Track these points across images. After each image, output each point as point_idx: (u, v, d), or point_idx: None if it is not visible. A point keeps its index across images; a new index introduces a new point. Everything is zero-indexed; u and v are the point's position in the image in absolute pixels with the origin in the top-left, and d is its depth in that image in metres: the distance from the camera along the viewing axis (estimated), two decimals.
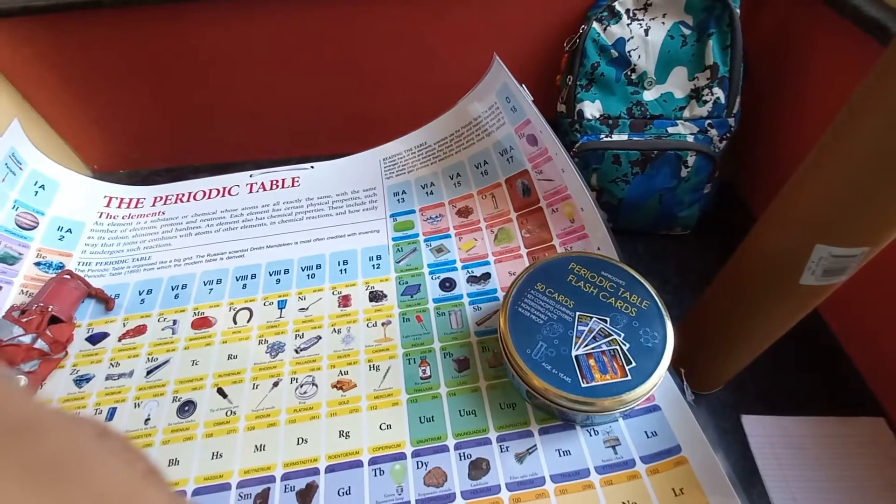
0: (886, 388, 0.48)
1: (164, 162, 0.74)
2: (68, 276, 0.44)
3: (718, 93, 0.62)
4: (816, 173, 0.34)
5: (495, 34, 0.67)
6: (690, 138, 0.62)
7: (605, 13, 0.60)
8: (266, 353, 0.41)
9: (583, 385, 0.32)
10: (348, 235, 0.49)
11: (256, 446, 0.36)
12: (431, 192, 0.50)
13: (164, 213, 0.52)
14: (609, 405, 0.31)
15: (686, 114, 0.63)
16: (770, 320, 0.43)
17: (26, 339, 0.38)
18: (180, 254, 0.48)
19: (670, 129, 0.62)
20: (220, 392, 0.39)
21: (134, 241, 0.49)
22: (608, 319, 0.34)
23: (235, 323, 0.43)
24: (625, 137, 0.64)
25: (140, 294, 0.45)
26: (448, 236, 0.47)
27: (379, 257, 0.47)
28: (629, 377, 0.32)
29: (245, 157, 0.77)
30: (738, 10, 0.57)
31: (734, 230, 0.68)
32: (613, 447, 0.34)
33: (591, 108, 0.64)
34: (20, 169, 0.46)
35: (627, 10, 0.59)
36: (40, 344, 0.38)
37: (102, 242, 0.49)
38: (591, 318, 0.34)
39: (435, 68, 0.69)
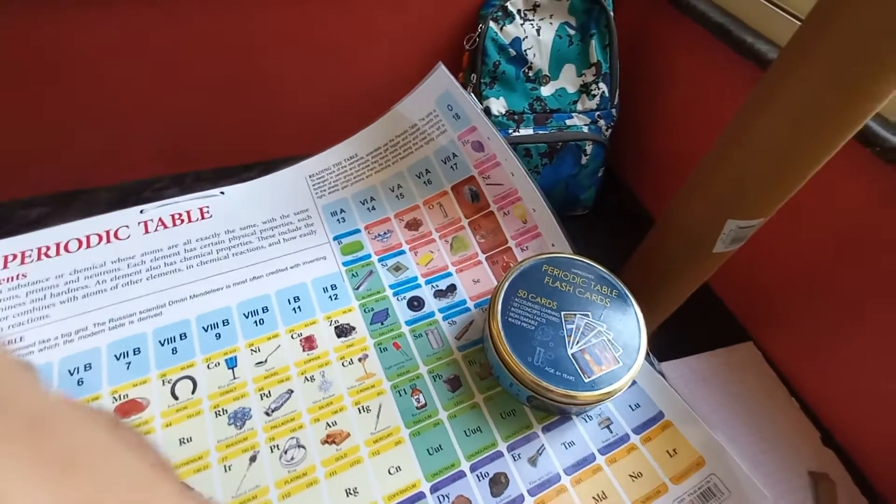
0: (753, 324, 0.61)
1: None
2: None
3: (603, 87, 0.69)
4: (725, 162, 0.41)
5: (397, 31, 0.65)
6: (585, 129, 0.69)
7: (500, 13, 0.62)
8: (229, 424, 0.34)
9: (585, 380, 0.34)
10: (291, 268, 0.43)
11: None
12: (373, 208, 0.47)
13: (24, 275, 0.40)
14: (610, 393, 0.34)
15: (579, 107, 0.70)
16: (685, 284, 0.51)
17: None
18: (68, 326, 0.37)
19: (568, 122, 0.68)
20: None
21: None
22: (590, 313, 0.37)
23: (176, 399, 0.35)
24: (531, 132, 0.68)
25: None
26: (402, 252, 0.45)
27: (334, 286, 0.43)
28: (620, 363, 0.35)
29: (91, 182, 0.63)
30: (612, 13, 0.64)
31: (620, 206, 0.79)
32: (608, 427, 0.37)
33: (497, 105, 0.67)
34: None
35: (519, 11, 0.63)
36: None
37: None
38: (576, 314, 0.37)
39: (335, 68, 0.64)
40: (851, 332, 0.47)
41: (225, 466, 0.33)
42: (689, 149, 0.66)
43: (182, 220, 0.45)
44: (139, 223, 0.44)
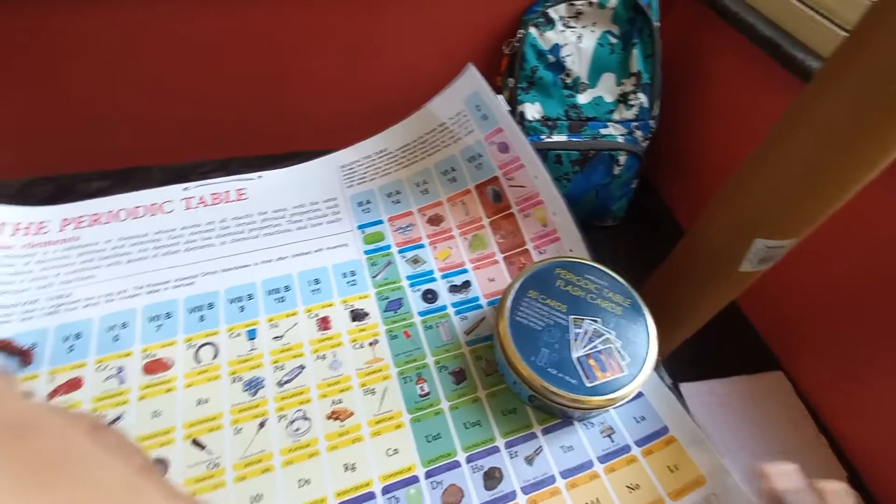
0: (782, 349, 0.58)
1: (44, 169, 0.62)
2: None
3: (642, 98, 0.68)
4: (755, 179, 0.40)
5: (431, 34, 0.67)
6: (621, 139, 0.68)
7: (541, 19, 0.62)
8: (244, 391, 0.37)
9: (587, 385, 0.34)
10: (315, 251, 0.45)
11: (252, 497, 0.32)
12: (398, 201, 0.49)
13: (78, 238, 0.44)
14: (612, 400, 0.33)
15: (616, 116, 0.69)
16: (711, 301, 0.49)
17: None
18: (111, 287, 0.41)
19: (603, 131, 0.68)
20: (196, 443, 0.34)
21: (43, 275, 0.41)
22: (599, 320, 0.37)
23: (198, 362, 0.38)
24: (564, 138, 0.68)
25: (66, 340, 0.38)
26: (422, 246, 0.47)
27: (353, 273, 0.44)
28: (625, 372, 0.34)
29: (146, 162, 0.68)
30: (657, 23, 0.63)
31: (653, 219, 0.77)
32: (609, 436, 0.37)
33: (532, 110, 0.67)
34: None
35: (561, 18, 0.63)
36: None
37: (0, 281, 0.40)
38: (584, 319, 0.36)
39: (372, 68, 0.67)
40: (890, 367, 0.44)
41: (236, 429, 0.35)
42: (728, 165, 0.64)
43: (220, 200, 0.48)
44: (182, 199, 0.48)
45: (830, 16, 0.48)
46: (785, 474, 0.26)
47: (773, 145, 0.37)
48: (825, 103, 0.33)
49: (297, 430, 0.35)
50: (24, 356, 0.36)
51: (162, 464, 0.33)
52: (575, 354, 0.35)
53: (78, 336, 0.38)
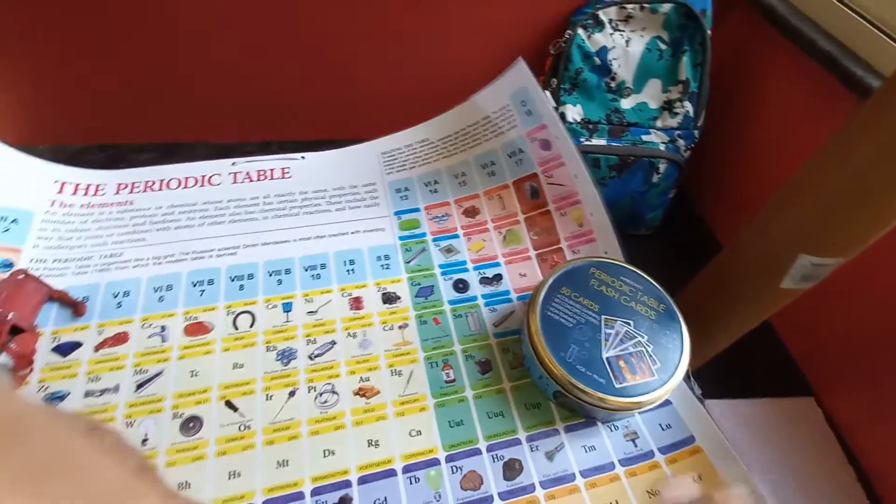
0: (816, 375, 0.56)
1: (98, 137, 0.65)
2: (23, 277, 0.37)
3: (688, 106, 0.67)
4: (806, 192, 0.39)
5: (479, 30, 0.67)
6: (662, 147, 0.67)
7: (590, 21, 0.62)
8: (276, 360, 0.38)
9: (616, 385, 0.33)
10: (351, 233, 0.46)
11: (279, 462, 0.33)
12: (436, 191, 0.50)
13: (131, 202, 0.46)
14: (639, 403, 0.33)
15: (659, 123, 0.68)
16: (746, 316, 0.48)
17: None
18: (159, 250, 0.43)
19: (644, 137, 0.67)
20: (229, 405, 0.35)
21: (98, 234, 0.43)
22: (632, 322, 0.36)
23: (236, 328, 0.39)
24: (603, 142, 0.67)
25: (115, 297, 0.40)
26: (456, 236, 0.47)
27: (387, 257, 0.45)
28: (655, 377, 0.34)
29: (195, 138, 0.70)
30: (709, 31, 0.62)
31: (687, 231, 0.75)
32: (633, 440, 0.36)
33: (573, 112, 0.67)
34: None
35: (610, 21, 0.62)
36: (3, 359, 0.32)
37: (58, 236, 0.42)
38: (616, 321, 0.36)
39: (418, 59, 0.67)
40: None
41: (267, 395, 0.36)
42: (773, 181, 0.62)
43: (265, 177, 0.50)
44: (229, 173, 0.50)
45: (893, 33, 0.47)
46: (682, 485, 0.27)
47: (827, 160, 0.36)
48: (885, 120, 0.32)
49: (325, 402, 0.36)
50: (77, 307, 0.38)
51: (197, 421, 0.34)
52: (605, 354, 0.35)
53: (126, 294, 0.40)
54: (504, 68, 0.71)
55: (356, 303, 0.42)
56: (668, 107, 0.68)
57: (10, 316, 0.34)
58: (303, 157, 0.52)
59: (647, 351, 0.35)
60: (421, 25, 0.63)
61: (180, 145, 0.71)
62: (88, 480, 0.10)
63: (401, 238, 0.47)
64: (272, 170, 0.50)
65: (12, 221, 0.41)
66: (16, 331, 0.34)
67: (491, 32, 0.67)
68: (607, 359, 0.34)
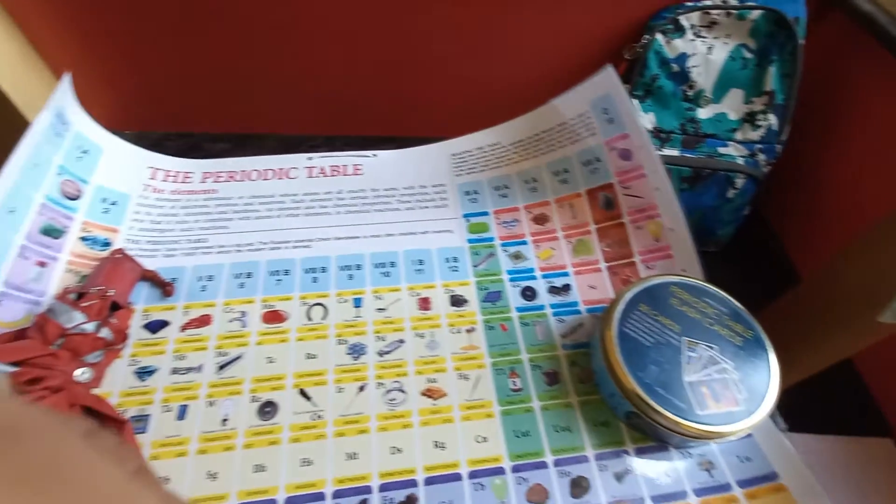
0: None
1: (177, 126, 0.69)
2: (121, 256, 0.40)
3: (772, 119, 0.63)
4: None
5: (556, 33, 0.66)
6: (740, 160, 0.63)
7: (671, 26, 0.59)
8: (347, 354, 0.39)
9: (698, 412, 0.32)
10: (420, 233, 0.47)
11: (348, 454, 0.34)
12: (505, 195, 0.49)
13: (216, 191, 0.48)
14: (722, 434, 0.32)
15: (738, 136, 0.64)
16: (835, 348, 0.45)
17: (90, 328, 0.34)
18: (240, 238, 0.45)
19: (721, 150, 0.64)
20: (303, 394, 0.37)
21: (186, 220, 0.46)
22: (716, 347, 0.35)
23: (310, 319, 0.40)
24: (676, 153, 0.65)
25: (200, 280, 0.42)
26: (525, 243, 0.47)
27: (456, 259, 0.45)
28: (741, 407, 0.32)
29: (267, 130, 0.73)
30: (802, 41, 0.58)
31: (760, 250, 0.71)
32: (708, 470, 0.35)
33: (645, 120, 0.64)
34: (66, 130, 0.41)
35: (692, 26, 0.59)
36: (104, 332, 0.35)
37: (151, 219, 0.45)
38: (699, 344, 0.35)
39: (485, 60, 0.67)
40: None
41: (338, 388, 0.37)
42: (861, 205, 0.58)
43: (338, 172, 0.51)
44: (305, 167, 0.51)
45: None
46: None
47: None
48: None
49: (393, 399, 0.37)
50: (165, 288, 0.41)
51: (273, 406, 0.36)
52: (687, 378, 0.33)
53: (210, 278, 0.42)
54: (577, 72, 0.69)
55: (424, 303, 0.42)
56: (749, 119, 0.64)
57: (110, 292, 0.36)
58: (375, 155, 0.52)
59: (733, 378, 0.33)
60: (493, 26, 0.63)
61: (252, 136, 0.74)
62: (86, 483, 0.10)
63: (469, 241, 0.47)
64: (345, 166, 0.51)
65: (112, 203, 0.44)
66: (114, 307, 0.37)
67: (564, 36, 0.66)
68: (689, 383, 0.33)
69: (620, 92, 0.44)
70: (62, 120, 0.41)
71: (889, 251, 0.38)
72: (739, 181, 0.65)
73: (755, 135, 0.65)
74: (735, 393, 0.33)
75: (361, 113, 0.74)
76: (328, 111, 0.73)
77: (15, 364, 0.30)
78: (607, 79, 0.44)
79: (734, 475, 0.34)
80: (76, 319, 0.34)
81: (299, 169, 0.51)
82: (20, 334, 0.33)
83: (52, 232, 0.39)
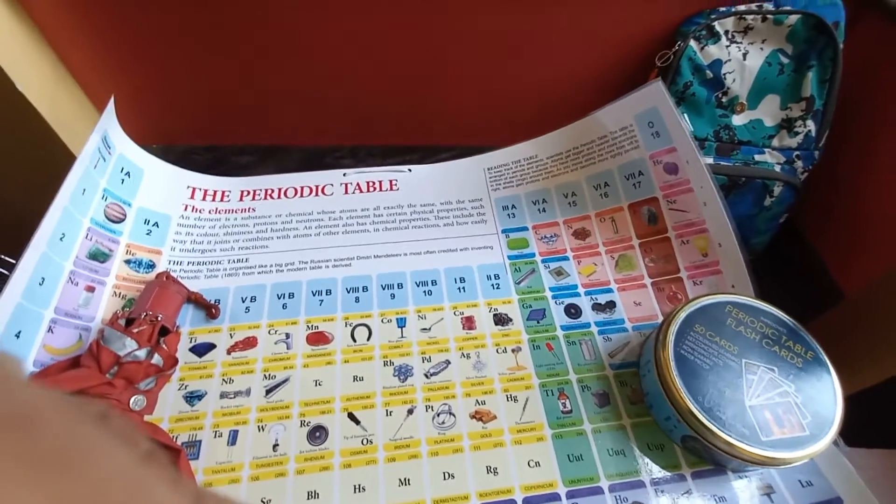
0: None
1: (203, 140, 0.69)
2: (167, 279, 0.40)
3: (811, 125, 0.62)
4: None
5: (585, 42, 0.65)
6: (777, 168, 0.62)
7: (704, 32, 0.58)
8: (394, 376, 0.38)
9: (762, 438, 0.31)
10: (460, 250, 0.46)
11: (401, 480, 0.34)
12: (544, 210, 0.49)
13: (254, 209, 0.48)
14: (787, 460, 0.31)
15: (775, 143, 0.63)
16: (886, 364, 0.44)
17: (142, 354, 0.34)
18: (281, 258, 0.45)
19: (757, 157, 0.62)
20: (352, 417, 0.36)
21: (226, 239, 0.46)
22: (776, 369, 0.34)
23: (354, 340, 0.40)
24: (710, 160, 0.63)
25: (243, 301, 0.42)
26: (566, 258, 0.46)
27: (497, 276, 0.45)
28: (806, 432, 0.31)
29: (292, 142, 0.73)
30: (841, 45, 0.57)
31: (795, 259, 0.69)
32: (768, 495, 0.34)
33: None
34: (109, 154, 0.42)
35: (727, 32, 0.58)
36: (156, 359, 0.35)
37: (192, 239, 0.45)
38: (759, 366, 0.34)
39: (512, 69, 0.66)
40: None
41: (387, 411, 0.37)
42: None
43: (375, 188, 0.51)
44: (341, 184, 0.51)
45: None
46: None
47: None
48: None
49: (443, 423, 0.36)
50: (210, 310, 0.41)
51: (322, 430, 0.35)
52: (748, 402, 0.32)
53: (253, 299, 0.42)
54: (608, 80, 0.68)
55: (468, 322, 0.42)
56: (787, 125, 0.63)
57: (159, 317, 0.36)
58: (409, 170, 0.52)
59: (796, 402, 0.32)
60: (521, 34, 0.62)
61: (276, 149, 0.74)
62: (104, 469, 0.10)
63: (510, 257, 0.46)
64: (381, 182, 0.51)
65: (154, 224, 0.44)
66: (163, 332, 0.37)
67: (595, 43, 0.65)
68: (751, 407, 0.32)
69: (669, 106, 0.43)
70: (106, 144, 0.41)
71: None
72: (777, 189, 0.64)
73: (793, 141, 0.63)
74: (799, 417, 0.32)
75: (386, 123, 0.74)
76: (352, 122, 0.73)
77: (73, 393, 0.30)
78: (656, 93, 0.43)
79: (795, 500, 0.33)
80: (129, 346, 0.34)
81: (335, 185, 0.51)
82: (75, 362, 0.33)
83: (99, 256, 0.39)
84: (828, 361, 0.34)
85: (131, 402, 0.32)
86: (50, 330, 0.34)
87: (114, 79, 0.57)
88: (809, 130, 0.63)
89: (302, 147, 0.76)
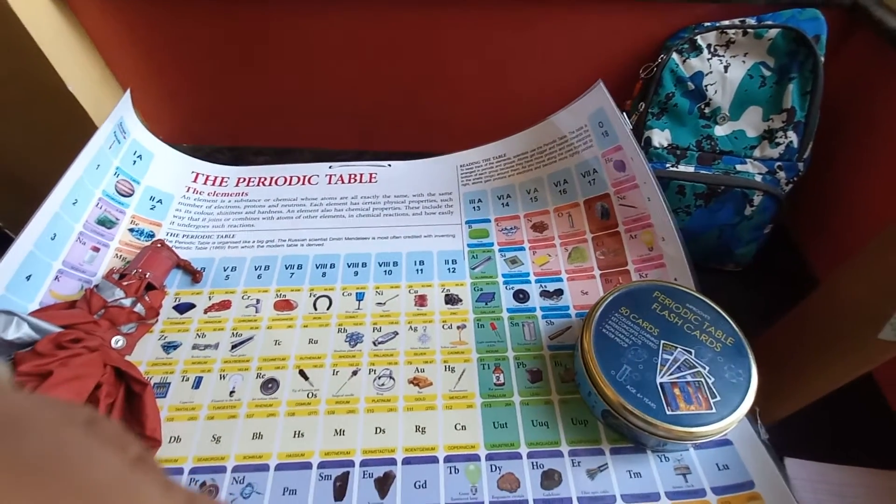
0: None
1: (226, 140, 0.77)
2: (160, 246, 0.46)
3: (792, 136, 0.62)
4: None
5: (571, 53, 0.68)
6: (759, 178, 0.63)
7: (686, 45, 0.61)
8: (345, 341, 0.42)
9: (668, 412, 0.33)
10: (424, 237, 0.50)
11: (336, 430, 0.37)
12: (507, 204, 0.52)
13: (247, 194, 0.54)
14: (692, 434, 0.32)
15: (756, 153, 0.64)
16: (837, 369, 0.43)
17: (127, 302, 0.40)
18: (263, 235, 0.50)
19: (739, 167, 0.63)
20: (302, 374, 0.40)
21: (219, 218, 0.51)
22: (693, 351, 0.35)
23: (315, 309, 0.44)
24: (691, 169, 0.64)
25: (225, 270, 0.47)
26: (522, 249, 0.49)
27: (454, 262, 0.48)
28: (713, 410, 0.33)
29: (303, 145, 0.79)
30: (822, 58, 0.58)
31: (785, 271, 0.69)
32: (684, 475, 0.35)
33: (660, 137, 0.65)
34: (124, 138, 0.49)
35: (709, 45, 0.60)
36: (139, 308, 0.40)
37: (189, 216, 0.51)
38: (676, 348, 0.35)
39: (507, 80, 0.70)
40: None
41: (334, 371, 0.40)
42: (888, 223, 0.56)
43: (355, 180, 0.56)
44: (326, 175, 0.56)
45: None
46: None
47: None
48: None
49: (383, 385, 0.40)
50: (195, 276, 0.46)
51: (274, 382, 0.40)
52: (659, 379, 0.34)
53: (233, 269, 0.47)
54: (589, 87, 0.71)
55: (421, 300, 0.45)
56: (768, 136, 0.64)
57: (147, 275, 0.42)
58: (389, 165, 0.57)
59: (707, 382, 0.34)
60: (517, 49, 0.66)
61: (290, 150, 0.81)
62: (83, 472, 0.09)
63: (469, 245, 0.49)
64: (361, 174, 0.56)
65: (158, 201, 0.51)
66: (150, 287, 0.43)
67: (584, 56, 0.69)
68: (661, 384, 0.34)
69: (610, 105, 0.46)
70: (122, 129, 0.48)
71: (886, 265, 0.37)
72: (757, 198, 0.64)
73: (774, 152, 0.64)
74: (707, 396, 0.33)
75: (389, 131, 0.80)
76: (359, 129, 0.79)
77: (63, 327, 0.35)
78: (599, 93, 0.46)
79: (710, 482, 0.34)
80: (116, 294, 0.40)
81: (320, 176, 0.56)
82: (71, 305, 0.39)
83: (106, 222, 0.46)
84: (748, 348, 0.35)
85: (112, 340, 0.38)
86: (56, 278, 0.40)
87: (153, 87, 0.66)
88: (791, 141, 0.63)
89: (313, 149, 0.82)
